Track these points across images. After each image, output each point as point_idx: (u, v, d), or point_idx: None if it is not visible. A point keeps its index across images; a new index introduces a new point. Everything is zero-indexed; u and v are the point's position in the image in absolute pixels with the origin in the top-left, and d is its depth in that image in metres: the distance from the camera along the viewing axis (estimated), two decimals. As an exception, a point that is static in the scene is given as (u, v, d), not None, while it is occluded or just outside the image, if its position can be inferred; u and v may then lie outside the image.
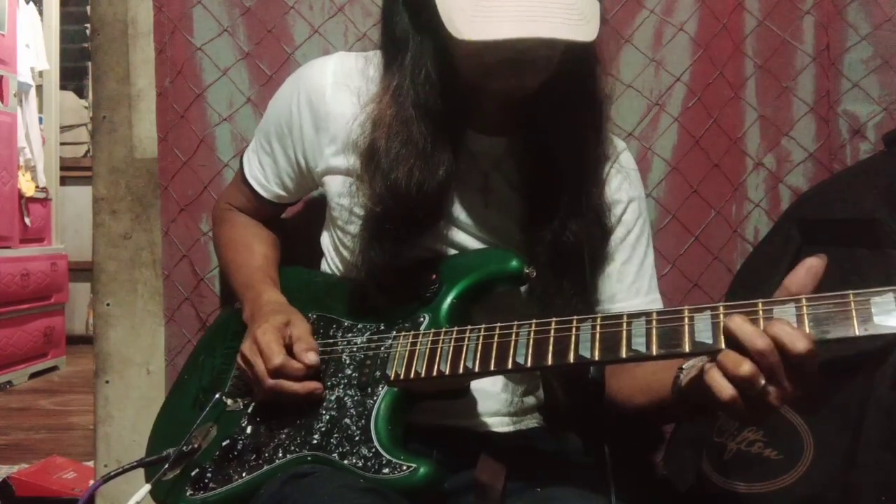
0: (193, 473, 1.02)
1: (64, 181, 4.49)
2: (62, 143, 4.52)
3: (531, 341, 0.87)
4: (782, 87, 1.42)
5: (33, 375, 3.96)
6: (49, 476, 2.25)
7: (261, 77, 1.41)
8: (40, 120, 4.21)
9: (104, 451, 1.48)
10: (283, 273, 1.19)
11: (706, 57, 1.41)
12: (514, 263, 0.99)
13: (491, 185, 1.05)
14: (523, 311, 0.93)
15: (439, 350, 0.93)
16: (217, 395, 1.08)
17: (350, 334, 1.03)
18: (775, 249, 1.32)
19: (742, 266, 1.40)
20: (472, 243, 1.05)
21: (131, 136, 1.47)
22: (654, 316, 0.81)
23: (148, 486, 1.03)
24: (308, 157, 1.09)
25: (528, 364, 0.86)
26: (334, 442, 0.94)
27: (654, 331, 0.80)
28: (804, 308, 0.73)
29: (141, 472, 1.08)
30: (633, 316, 0.82)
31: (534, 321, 0.88)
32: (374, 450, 0.91)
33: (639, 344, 0.80)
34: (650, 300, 1.11)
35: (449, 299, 0.99)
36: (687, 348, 0.77)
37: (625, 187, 1.10)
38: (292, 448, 0.97)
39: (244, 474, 0.98)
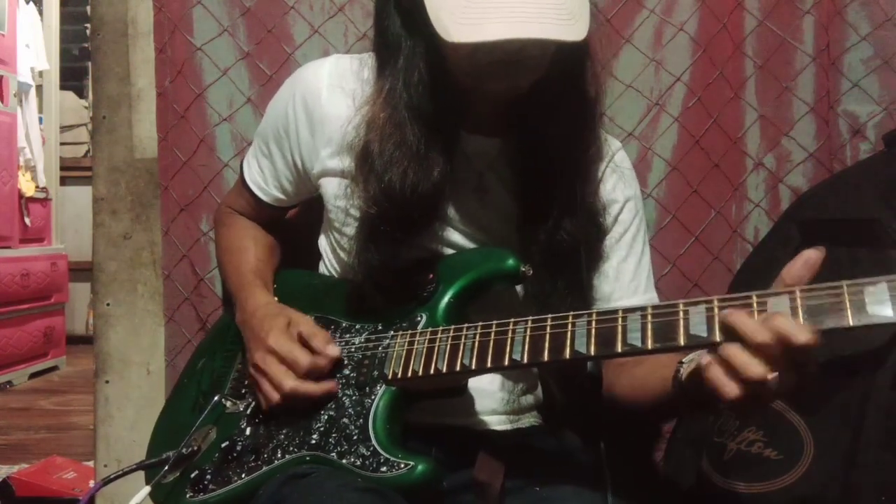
0: (193, 475, 1.02)
1: (64, 181, 4.49)
2: (62, 143, 4.52)
3: (527, 338, 0.87)
4: (782, 87, 1.42)
5: (33, 375, 3.96)
6: (49, 476, 2.25)
7: (261, 77, 1.41)
8: (40, 120, 4.21)
9: (104, 451, 1.48)
10: (281, 276, 1.19)
11: (706, 57, 1.41)
12: (511, 262, 0.99)
13: (486, 186, 1.05)
14: (520, 309, 0.93)
15: (436, 349, 0.93)
16: (216, 398, 1.08)
17: (348, 335, 1.04)
18: (775, 249, 1.32)
19: (742, 266, 1.40)
20: (467, 243, 1.05)
21: (131, 136, 1.47)
22: (650, 310, 0.81)
23: (148, 488, 1.04)
24: (305, 160, 1.10)
25: (525, 360, 0.86)
26: (332, 442, 0.94)
27: (649, 325, 0.80)
28: (798, 300, 0.74)
29: (141, 473, 1.08)
30: (629, 311, 0.82)
31: (530, 318, 0.88)
32: (372, 449, 0.91)
33: (634, 338, 0.80)
34: (648, 298, 1.11)
35: (446, 298, 0.99)
36: (682, 342, 0.78)
37: (620, 187, 1.10)
38: (291, 448, 0.97)
39: (243, 475, 0.98)
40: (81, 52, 4.74)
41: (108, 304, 1.48)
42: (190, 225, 1.43)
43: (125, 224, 1.48)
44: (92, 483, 1.82)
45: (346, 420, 0.95)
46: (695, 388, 0.83)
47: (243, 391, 1.07)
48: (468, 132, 1.03)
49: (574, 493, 0.95)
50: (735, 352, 0.74)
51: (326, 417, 0.97)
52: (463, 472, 0.98)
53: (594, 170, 1.06)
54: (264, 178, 1.17)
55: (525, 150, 1.03)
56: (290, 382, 0.97)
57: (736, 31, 1.41)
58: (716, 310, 0.77)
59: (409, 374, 0.94)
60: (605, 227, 1.07)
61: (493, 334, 0.90)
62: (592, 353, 0.83)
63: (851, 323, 0.71)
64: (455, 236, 1.05)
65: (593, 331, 0.83)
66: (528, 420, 1.10)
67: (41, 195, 4.11)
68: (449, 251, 1.05)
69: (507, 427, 1.07)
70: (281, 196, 1.17)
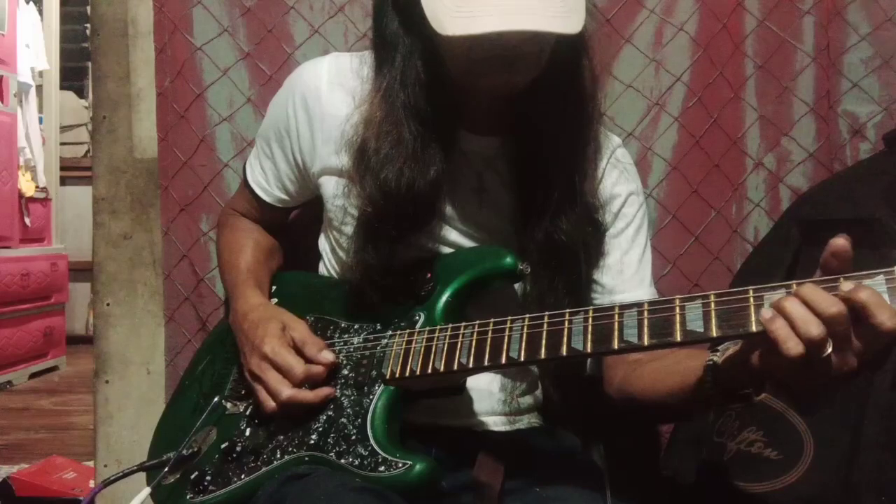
0: (193, 476, 1.02)
1: (64, 181, 4.50)
2: (62, 143, 4.52)
3: (524, 336, 0.87)
4: (782, 87, 1.42)
5: (33, 375, 3.97)
6: (49, 476, 2.25)
7: (261, 77, 1.41)
8: (40, 120, 4.21)
9: (104, 451, 1.48)
10: (280, 277, 1.19)
11: (706, 57, 1.41)
12: (508, 260, 0.99)
13: (484, 185, 1.05)
14: (518, 309, 0.93)
15: (434, 347, 0.93)
16: (216, 399, 1.08)
17: (347, 335, 1.04)
18: (775, 249, 1.32)
19: (742, 266, 1.40)
20: (466, 243, 1.05)
21: (131, 136, 1.47)
22: (646, 306, 0.81)
23: (148, 490, 1.04)
24: (305, 158, 1.10)
25: (522, 358, 0.86)
26: (331, 442, 0.94)
27: (645, 321, 0.80)
28: (794, 288, 0.74)
29: (142, 474, 1.08)
30: (625, 307, 0.82)
31: (527, 316, 0.88)
32: (370, 448, 0.91)
33: (630, 335, 0.80)
34: (652, 292, 1.11)
35: (444, 297, 0.99)
36: (678, 337, 0.78)
37: (622, 181, 1.10)
38: (290, 449, 0.97)
39: (243, 476, 0.98)
40: (81, 52, 4.74)
41: (108, 304, 1.48)
42: (190, 225, 1.43)
43: (125, 224, 1.48)
44: (92, 483, 1.82)
45: (344, 420, 0.95)
46: (733, 372, 0.82)
47: (243, 392, 1.07)
48: (466, 131, 1.03)
49: (573, 493, 0.95)
50: (797, 308, 0.72)
51: (325, 418, 0.97)
52: (462, 472, 0.98)
53: (593, 168, 1.06)
54: (266, 179, 1.17)
55: (524, 149, 1.03)
56: (286, 392, 0.97)
57: (736, 31, 1.41)
58: (712, 305, 0.77)
59: (407, 373, 0.94)
60: (604, 225, 1.07)
61: (490, 333, 0.90)
62: (589, 349, 0.83)
63: None
64: (453, 235, 1.05)
65: (590, 328, 0.83)
66: (528, 421, 1.10)
67: (41, 195, 4.11)
68: (447, 250, 1.05)
69: (507, 428, 1.07)
70: (284, 196, 1.17)
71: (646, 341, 0.79)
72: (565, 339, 0.84)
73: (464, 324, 0.93)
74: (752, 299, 0.76)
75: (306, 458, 0.95)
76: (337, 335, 1.04)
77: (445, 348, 0.92)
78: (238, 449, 1.01)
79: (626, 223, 1.09)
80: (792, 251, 1.28)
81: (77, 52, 4.84)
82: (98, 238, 1.48)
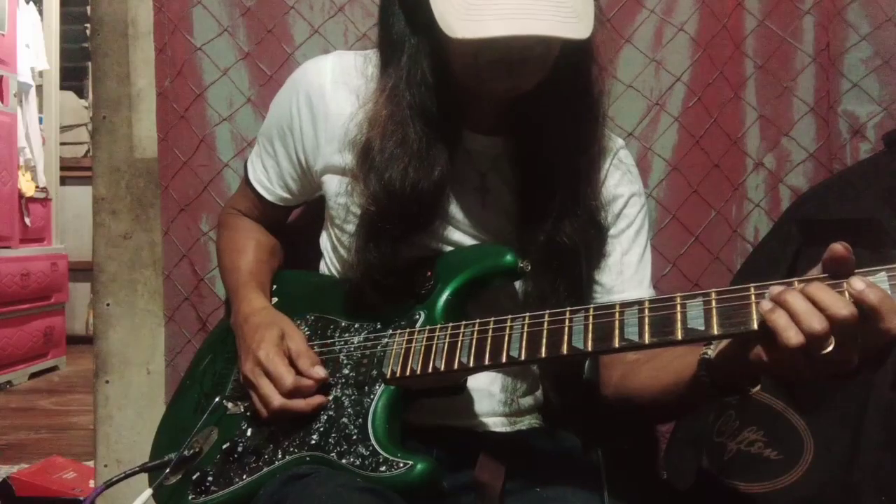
0: (195, 477, 1.02)
1: (64, 181, 4.50)
2: (62, 143, 4.52)
3: (525, 334, 0.87)
4: (782, 87, 1.42)
5: (33, 375, 3.97)
6: (49, 476, 2.25)
7: (261, 77, 1.41)
8: (40, 120, 4.21)
9: (104, 451, 1.48)
10: (281, 276, 1.19)
11: (706, 57, 1.41)
12: (508, 258, 0.99)
13: (488, 185, 1.05)
14: (520, 309, 0.93)
15: (434, 346, 0.93)
16: (218, 399, 1.09)
17: (347, 334, 1.03)
18: (775, 249, 1.32)
19: (742, 266, 1.40)
20: (468, 242, 1.05)
21: (131, 136, 1.47)
22: (647, 304, 0.81)
23: (150, 491, 1.03)
24: (308, 156, 1.09)
25: (522, 357, 0.86)
26: (332, 442, 0.94)
27: (646, 319, 0.80)
28: (795, 286, 0.74)
29: (143, 475, 1.08)
30: (626, 305, 0.82)
31: (527, 314, 0.88)
32: (371, 448, 0.91)
33: (631, 333, 0.80)
34: (651, 294, 1.11)
35: (444, 296, 0.99)
36: (679, 335, 0.78)
37: (625, 182, 1.10)
38: (291, 449, 0.97)
39: (244, 476, 0.98)
40: (81, 52, 4.74)
41: (108, 304, 1.48)
42: (190, 225, 1.43)
43: (125, 224, 1.48)
44: (92, 483, 1.82)
45: (345, 420, 0.95)
46: (726, 366, 0.82)
47: (244, 393, 1.07)
48: (470, 131, 1.03)
49: (574, 493, 0.95)
50: (800, 302, 0.71)
51: (326, 417, 0.97)
52: (463, 473, 0.98)
53: (596, 170, 1.06)
54: (269, 178, 1.16)
55: (527, 150, 1.03)
56: (277, 401, 0.97)
57: (736, 31, 1.41)
58: (713, 303, 0.77)
59: (408, 372, 0.94)
60: (606, 227, 1.07)
61: (490, 331, 0.90)
62: (590, 348, 0.82)
63: None
64: (456, 235, 1.05)
65: (590, 326, 0.83)
66: (529, 422, 1.10)
67: (41, 195, 4.11)
68: (449, 249, 1.05)
69: (507, 429, 1.07)
70: (286, 195, 1.17)
71: (647, 339, 0.79)
72: (566, 338, 0.84)
73: (464, 323, 0.93)
74: (753, 297, 0.76)
75: (307, 459, 0.95)
76: (337, 334, 1.04)
77: (446, 347, 0.92)
78: (239, 449, 1.01)
79: (628, 224, 1.09)
80: (792, 251, 1.28)
81: (77, 52, 4.84)
82: (98, 238, 1.48)
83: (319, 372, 0.98)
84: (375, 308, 1.02)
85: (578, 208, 1.01)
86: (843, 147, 1.41)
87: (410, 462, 0.88)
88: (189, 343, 1.43)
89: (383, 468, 0.89)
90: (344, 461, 0.92)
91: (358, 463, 0.91)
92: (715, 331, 0.76)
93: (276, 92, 1.16)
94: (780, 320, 0.71)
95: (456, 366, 0.90)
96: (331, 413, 0.97)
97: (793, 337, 0.70)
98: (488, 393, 1.06)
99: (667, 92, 1.41)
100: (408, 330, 0.97)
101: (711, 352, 0.85)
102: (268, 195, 1.18)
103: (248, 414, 1.04)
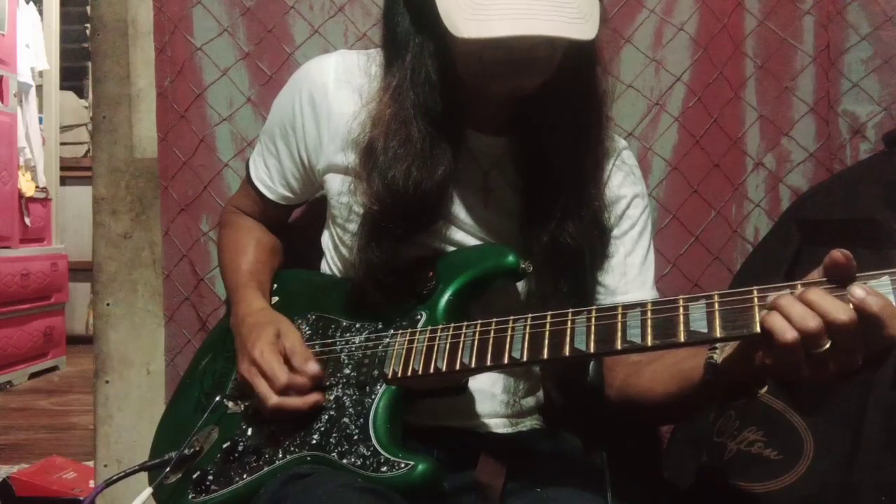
0: (195, 476, 1.02)
1: (64, 181, 4.50)
2: (62, 143, 4.52)
3: (527, 335, 0.87)
4: (782, 87, 1.42)
5: (33, 375, 3.97)
6: (49, 476, 2.25)
7: (261, 77, 1.41)
8: (40, 120, 4.21)
9: (104, 451, 1.48)
10: (283, 276, 1.19)
11: (706, 57, 1.41)
12: (510, 259, 0.99)
13: (490, 185, 1.05)
14: (522, 310, 0.93)
15: (436, 347, 0.93)
16: (218, 398, 1.09)
17: (348, 334, 1.03)
18: (775, 249, 1.32)
19: (742, 266, 1.40)
20: (471, 242, 1.05)
21: (131, 136, 1.47)
22: (649, 307, 0.81)
23: (150, 490, 1.03)
24: (311, 155, 1.09)
25: (524, 358, 0.86)
26: (333, 441, 0.94)
27: (648, 321, 0.80)
28: (799, 289, 0.74)
29: (143, 473, 1.08)
30: (629, 307, 0.82)
31: (529, 315, 0.88)
32: (372, 448, 0.91)
33: (634, 335, 0.80)
34: (654, 295, 1.10)
35: (446, 296, 0.99)
36: (682, 338, 0.78)
37: (627, 184, 1.10)
38: (292, 448, 0.97)
39: (245, 476, 0.98)
40: (81, 52, 4.74)
41: (108, 304, 1.48)
42: (190, 225, 1.43)
43: (125, 224, 1.48)
44: (92, 483, 1.82)
45: (346, 420, 0.95)
46: (733, 370, 0.83)
47: (244, 392, 1.07)
48: (474, 131, 1.03)
49: (575, 494, 0.95)
50: (790, 303, 0.72)
51: (327, 417, 0.97)
52: (464, 473, 0.98)
53: (600, 171, 1.06)
54: (270, 177, 1.16)
55: (531, 150, 1.03)
56: (273, 399, 0.97)
57: (736, 31, 1.41)
58: (716, 305, 0.77)
59: (409, 372, 0.94)
60: (609, 227, 1.07)
61: (492, 332, 0.90)
62: (592, 350, 0.82)
63: None
64: (458, 235, 1.05)
65: (593, 328, 0.83)
66: (530, 422, 1.10)
67: (41, 195, 4.11)
68: (451, 249, 1.05)
69: (509, 429, 1.07)
70: (288, 194, 1.17)
71: (649, 342, 0.79)
72: (568, 340, 0.84)
73: (466, 323, 0.93)
74: (756, 300, 0.75)
75: (308, 458, 0.95)
76: (338, 334, 1.04)
77: (447, 348, 0.92)
78: (240, 448, 1.01)
79: (631, 225, 1.09)
80: (792, 251, 1.28)
81: (77, 52, 4.84)
82: (98, 238, 1.48)
83: (312, 368, 0.97)
84: (377, 308, 1.02)
85: (582, 209, 1.01)
86: (843, 147, 1.41)
87: (412, 462, 0.88)
88: (189, 343, 1.43)
89: (384, 468, 0.89)
90: (345, 461, 0.92)
91: (359, 463, 0.91)
92: (717, 334, 0.76)
93: (277, 92, 1.16)
94: (777, 322, 0.72)
95: (458, 366, 0.90)
96: (332, 413, 0.97)
97: (788, 333, 0.71)
98: (490, 394, 1.06)
99: (667, 92, 1.41)
100: (409, 330, 0.97)
101: (717, 355, 0.85)
102: (269, 194, 1.17)
103: (249, 413, 1.04)
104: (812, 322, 0.70)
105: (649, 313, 0.80)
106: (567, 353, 0.83)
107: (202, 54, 1.41)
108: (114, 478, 1.06)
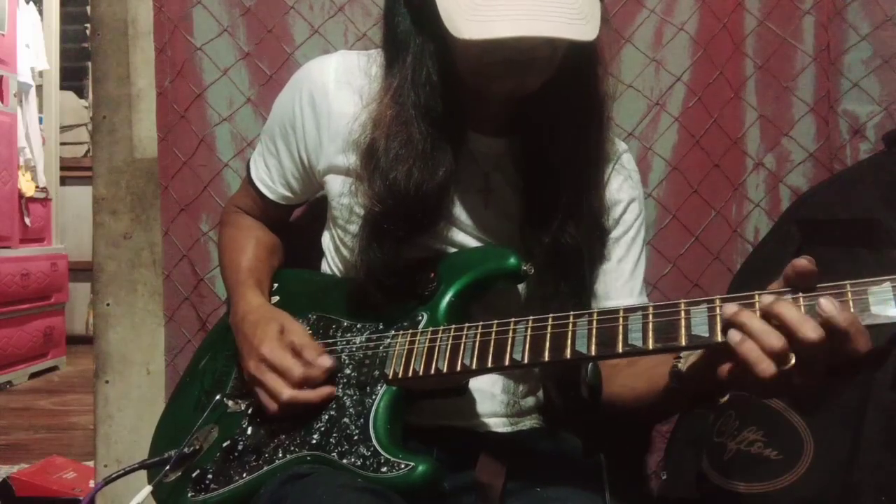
0: (195, 474, 1.02)
1: (64, 181, 4.50)
2: (62, 143, 4.52)
3: (528, 338, 0.87)
4: (782, 87, 1.42)
5: (33, 375, 3.97)
6: (49, 476, 2.25)
7: (261, 77, 1.41)
8: (40, 120, 4.21)
9: (104, 451, 1.48)
10: (283, 275, 1.19)
11: (706, 57, 1.41)
12: (512, 261, 0.99)
13: (491, 186, 1.05)
14: (522, 311, 0.93)
15: (437, 348, 0.93)
16: (218, 397, 1.09)
17: (349, 334, 1.03)
18: (775, 249, 1.32)
19: (742, 266, 1.40)
20: (471, 243, 1.05)
21: (131, 136, 1.47)
22: (651, 310, 0.81)
23: (149, 488, 1.04)
24: (311, 156, 1.09)
25: (526, 360, 0.86)
26: (333, 441, 0.94)
27: (650, 325, 0.80)
28: (801, 300, 0.74)
29: (142, 472, 1.08)
30: (630, 310, 0.82)
31: (531, 318, 0.88)
32: (372, 449, 0.91)
33: (635, 338, 0.80)
34: (640, 302, 1.10)
35: (447, 298, 0.99)
36: (683, 342, 0.78)
37: (625, 187, 1.10)
38: (292, 448, 0.97)
39: (244, 475, 0.98)
40: (81, 52, 4.74)
41: (108, 304, 1.48)
42: (190, 225, 1.43)
43: (125, 224, 1.48)
44: (92, 483, 1.82)
45: (346, 420, 0.95)
46: (696, 379, 0.84)
47: (245, 391, 1.07)
48: (474, 132, 1.03)
49: (575, 494, 0.95)
50: (762, 325, 0.73)
51: (327, 417, 0.97)
52: (464, 473, 0.98)
53: (600, 173, 1.06)
54: (271, 176, 1.17)
55: (531, 152, 1.03)
56: (287, 392, 0.96)
57: (736, 31, 1.41)
58: (718, 309, 0.77)
59: (410, 373, 0.94)
60: (607, 230, 1.07)
61: (493, 334, 0.90)
62: (593, 353, 0.82)
63: None
64: (459, 236, 1.05)
65: (594, 331, 0.83)
66: (529, 422, 1.10)
67: (41, 195, 4.11)
68: (452, 250, 1.05)
69: (509, 429, 1.07)
70: (288, 194, 1.17)
71: (650, 345, 0.79)
72: (569, 342, 0.84)
73: (467, 325, 0.93)
74: (758, 304, 0.75)
75: (308, 458, 0.95)
76: (339, 334, 1.04)
77: (448, 349, 0.92)
78: (240, 447, 1.01)
79: (625, 230, 1.09)
80: (792, 251, 1.28)
81: (77, 52, 4.84)
82: (98, 238, 1.48)
83: (326, 361, 0.97)
84: (378, 308, 1.02)
85: (583, 210, 1.01)
86: (843, 147, 1.41)
87: (412, 463, 0.88)
88: (189, 343, 1.43)
89: (385, 469, 0.89)
90: (345, 461, 0.92)
91: (359, 463, 0.91)
92: (718, 338, 0.76)
93: (277, 92, 1.16)
94: (753, 353, 0.72)
95: (458, 367, 0.90)
96: (332, 413, 0.97)
97: (766, 369, 0.71)
98: (490, 394, 1.06)
99: (667, 92, 1.41)
100: (410, 331, 0.97)
101: (682, 364, 0.86)
102: (270, 194, 1.18)
103: (249, 412, 1.04)
104: (776, 341, 0.71)
105: (651, 316, 0.80)
106: (568, 356, 0.83)
107: (202, 54, 1.41)
108: (113, 476, 1.06)
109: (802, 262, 0.73)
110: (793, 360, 0.71)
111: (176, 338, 1.45)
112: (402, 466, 0.88)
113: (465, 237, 1.05)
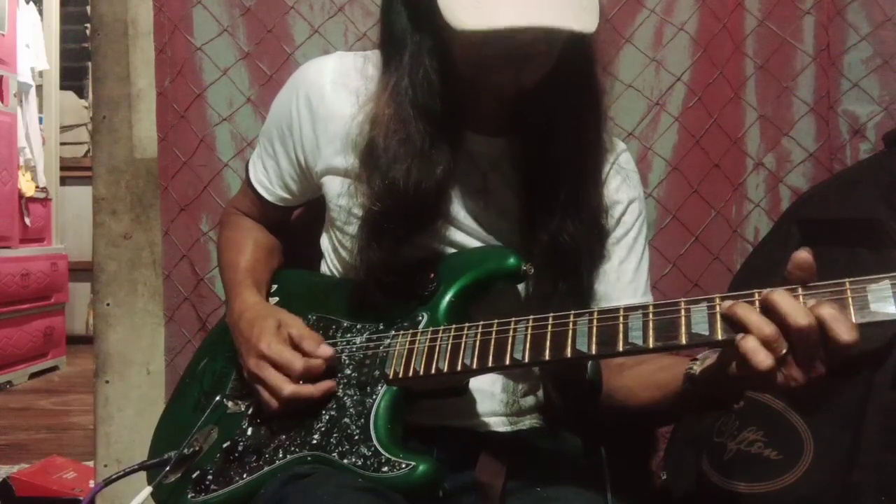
0: (195, 475, 1.01)
1: (64, 181, 4.49)
2: (62, 143, 4.52)
3: (528, 337, 0.87)
4: (782, 87, 1.42)
5: (33, 375, 3.96)
6: (49, 476, 2.25)
7: (261, 77, 1.41)
8: (40, 120, 4.21)
9: (104, 451, 1.48)
10: (282, 276, 1.19)
11: (706, 57, 1.41)
12: (512, 261, 0.99)
13: (490, 186, 1.05)
14: (522, 311, 0.93)
15: (437, 348, 0.93)
16: (218, 398, 1.08)
17: (349, 334, 1.03)
18: (775, 249, 1.32)
19: (742, 266, 1.40)
20: (470, 243, 1.05)
21: (131, 136, 1.47)
22: (651, 309, 0.81)
23: (149, 489, 1.03)
24: (308, 158, 1.09)
25: (526, 360, 0.86)
26: (334, 441, 0.94)
27: (650, 323, 0.80)
28: (801, 297, 0.74)
29: (142, 473, 1.08)
30: (630, 309, 0.82)
31: (531, 317, 0.88)
32: (373, 449, 0.91)
33: (635, 337, 0.80)
34: (645, 301, 1.10)
35: (447, 298, 0.99)
36: (683, 340, 0.77)
37: (624, 188, 1.10)
38: (292, 448, 0.97)
39: (245, 475, 0.98)
40: (81, 52, 4.74)
41: (108, 304, 1.48)
42: (190, 225, 1.43)
43: (125, 224, 1.48)
44: (92, 483, 1.82)
45: (347, 420, 0.95)
46: (710, 382, 0.83)
47: (245, 391, 1.07)
48: (472, 132, 1.03)
49: (575, 493, 0.95)
50: (765, 321, 0.73)
51: (328, 417, 0.97)
52: (464, 473, 0.98)
53: (598, 172, 1.06)
54: (269, 178, 1.17)
55: (529, 151, 1.03)
56: (288, 388, 0.96)
57: (736, 31, 1.41)
58: (718, 308, 0.77)
59: (411, 373, 0.94)
60: (606, 230, 1.07)
61: (494, 334, 0.90)
62: (594, 351, 0.82)
63: (854, 320, 0.71)
64: (458, 236, 1.05)
65: (594, 329, 0.83)
66: (530, 422, 1.10)
67: (41, 195, 4.11)
68: (451, 250, 1.05)
69: (509, 429, 1.07)
70: (286, 196, 1.17)
71: (651, 344, 0.79)
72: (570, 341, 0.83)
73: (467, 324, 0.93)
74: (758, 303, 0.75)
75: (308, 458, 0.95)
76: (339, 335, 1.04)
77: (449, 349, 0.92)
78: (240, 448, 1.01)
79: (626, 231, 1.09)
80: (792, 251, 1.27)
81: (77, 52, 4.84)
82: (98, 238, 1.48)
83: (327, 350, 0.97)
84: (378, 309, 1.02)
85: (581, 209, 1.01)
86: (843, 147, 1.41)
87: (413, 463, 0.88)
88: (189, 343, 1.43)
89: (385, 468, 0.89)
90: (345, 461, 0.92)
91: (360, 463, 0.91)
92: (719, 336, 0.76)
93: (276, 92, 1.16)
94: (750, 343, 0.73)
95: (459, 367, 0.90)
96: (332, 413, 0.97)
97: (751, 348, 0.72)
98: (489, 393, 1.06)
99: (667, 92, 1.41)
100: (410, 331, 0.97)
101: (697, 367, 0.86)
102: (268, 195, 1.18)
103: (249, 413, 1.04)
104: (768, 328, 0.72)
105: (651, 315, 0.80)
106: (569, 355, 0.83)
107: (202, 54, 1.41)
108: (113, 477, 1.06)
109: (802, 253, 0.74)
110: (785, 348, 0.72)
111: (176, 338, 1.45)
112: (403, 466, 0.88)
113: (464, 237, 1.05)
